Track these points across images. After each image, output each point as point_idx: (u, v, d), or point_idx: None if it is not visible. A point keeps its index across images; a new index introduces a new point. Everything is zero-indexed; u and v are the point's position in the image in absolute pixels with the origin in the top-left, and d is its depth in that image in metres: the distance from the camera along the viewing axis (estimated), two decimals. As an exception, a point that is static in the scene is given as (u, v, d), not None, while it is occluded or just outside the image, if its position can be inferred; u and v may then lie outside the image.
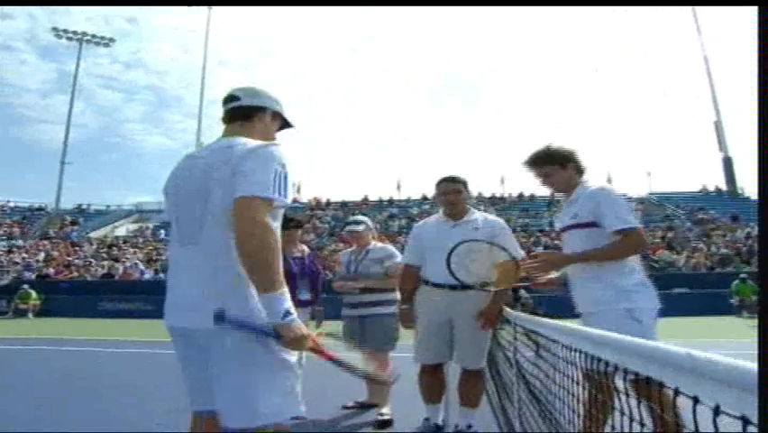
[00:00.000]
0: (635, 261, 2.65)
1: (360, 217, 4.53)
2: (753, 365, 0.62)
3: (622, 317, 2.45)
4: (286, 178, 1.74)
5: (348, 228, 4.40)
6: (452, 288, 3.19)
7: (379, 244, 4.32)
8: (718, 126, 33.63)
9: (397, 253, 4.16)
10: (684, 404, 0.79)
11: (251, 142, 1.82)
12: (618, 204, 2.61)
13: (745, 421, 0.64)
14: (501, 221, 3.54)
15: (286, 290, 1.65)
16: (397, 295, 3.89)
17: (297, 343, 1.66)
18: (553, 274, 2.97)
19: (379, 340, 3.93)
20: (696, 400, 0.76)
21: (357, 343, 3.89)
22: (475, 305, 3.25)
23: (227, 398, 1.70)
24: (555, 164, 2.80)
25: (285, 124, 2.18)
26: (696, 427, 0.77)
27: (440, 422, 3.42)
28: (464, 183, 3.47)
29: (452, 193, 3.41)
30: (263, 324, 1.67)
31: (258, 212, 1.64)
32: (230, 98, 2.04)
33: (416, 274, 3.46)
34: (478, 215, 3.48)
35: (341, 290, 4.12)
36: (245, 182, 1.68)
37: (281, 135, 2.17)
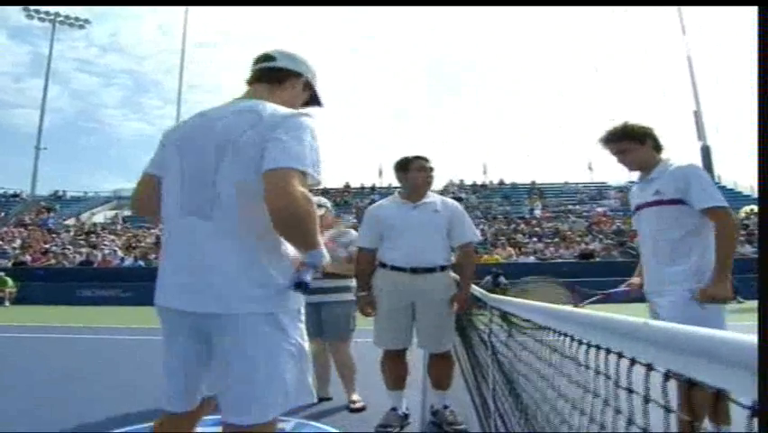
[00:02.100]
0: (712, 239, 2.53)
1: (320, 199, 4.26)
2: (698, 330, 0.64)
3: (683, 298, 2.45)
4: (318, 152, 1.61)
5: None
6: (414, 271, 3.20)
7: (343, 229, 4.23)
8: (698, 116, 34.10)
9: None
10: (639, 370, 0.82)
11: (281, 109, 1.65)
12: (708, 182, 2.53)
13: (691, 384, 0.66)
14: (458, 204, 3.50)
15: (321, 242, 1.61)
16: (355, 282, 3.80)
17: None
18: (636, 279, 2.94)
19: (337, 329, 3.86)
20: (650, 367, 0.79)
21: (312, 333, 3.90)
22: (437, 288, 3.23)
23: (257, 384, 1.54)
24: (634, 140, 2.71)
25: (311, 101, 2.02)
26: (646, 391, 0.80)
27: (405, 410, 3.38)
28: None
29: (428, 170, 3.39)
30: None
31: (294, 184, 1.48)
32: (265, 57, 1.88)
33: (371, 258, 3.39)
34: (436, 197, 3.44)
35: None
36: (279, 153, 1.52)
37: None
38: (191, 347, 1.64)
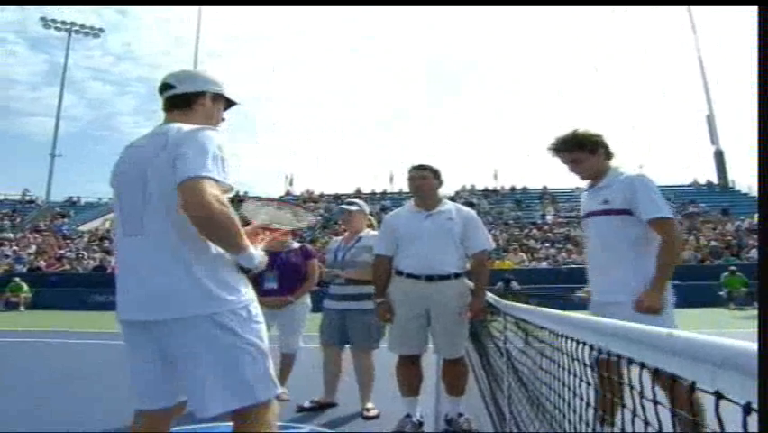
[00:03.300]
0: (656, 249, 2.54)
1: (356, 200, 4.29)
2: (725, 341, 0.64)
3: (631, 308, 2.42)
4: (224, 161, 1.72)
5: (340, 207, 4.23)
6: (429, 278, 3.22)
7: (373, 232, 4.06)
8: (711, 120, 33.78)
9: None
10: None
11: (185, 127, 1.78)
12: (656, 192, 2.54)
13: (719, 396, 0.66)
14: (472, 212, 3.51)
15: (249, 245, 1.77)
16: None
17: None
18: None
19: (362, 338, 3.83)
20: (674, 379, 0.78)
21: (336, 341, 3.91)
22: (452, 295, 3.24)
23: (216, 382, 1.68)
24: (585, 150, 2.69)
25: (230, 103, 2.11)
26: (672, 403, 0.79)
27: (420, 417, 3.37)
28: (434, 171, 3.43)
29: (418, 179, 3.39)
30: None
31: (204, 191, 1.61)
32: (164, 87, 1.96)
33: (388, 265, 3.40)
34: (450, 205, 3.45)
35: (328, 278, 3.96)
36: (185, 165, 1.65)
37: (229, 113, 2.13)
38: (148, 353, 1.78)
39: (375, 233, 4.02)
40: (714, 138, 33.41)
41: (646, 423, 0.91)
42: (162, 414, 1.83)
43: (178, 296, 1.67)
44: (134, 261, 1.76)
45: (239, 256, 1.76)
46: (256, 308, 1.83)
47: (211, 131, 1.78)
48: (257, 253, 1.80)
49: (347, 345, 3.97)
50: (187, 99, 1.94)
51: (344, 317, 3.86)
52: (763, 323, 0.67)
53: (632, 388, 0.98)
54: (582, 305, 2.91)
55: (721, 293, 14.70)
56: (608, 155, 2.73)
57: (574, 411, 1.50)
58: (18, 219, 30.99)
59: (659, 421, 0.85)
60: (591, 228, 2.73)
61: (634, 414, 0.98)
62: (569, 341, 1.39)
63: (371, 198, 32.21)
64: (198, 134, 1.74)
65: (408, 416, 3.31)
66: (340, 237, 4.26)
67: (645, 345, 0.86)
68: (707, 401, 0.67)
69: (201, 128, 1.78)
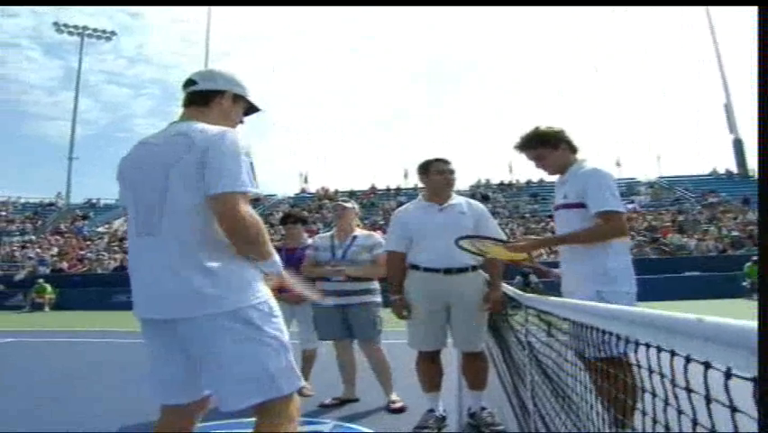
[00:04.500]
0: (623, 243, 2.64)
1: (349, 199, 4.48)
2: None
3: (591, 300, 2.40)
4: (252, 166, 1.77)
5: (337, 202, 4.33)
6: (447, 271, 3.21)
7: (365, 232, 4.18)
8: (729, 108, 33.21)
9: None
10: (696, 370, 0.81)
11: (209, 130, 1.78)
12: (605, 186, 2.57)
13: (756, 382, 0.65)
14: (482, 205, 3.51)
15: (274, 252, 1.84)
16: (377, 284, 3.94)
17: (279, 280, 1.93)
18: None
19: (365, 331, 3.89)
20: (707, 366, 0.77)
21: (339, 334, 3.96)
22: (471, 287, 3.25)
23: (241, 376, 1.69)
24: (547, 146, 2.78)
25: (253, 108, 2.12)
26: (707, 390, 0.79)
27: (443, 412, 3.37)
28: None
29: (449, 173, 3.40)
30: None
31: (241, 206, 1.68)
32: (188, 82, 1.99)
33: (401, 261, 3.39)
34: (461, 199, 3.45)
35: (330, 274, 3.90)
36: (220, 177, 1.68)
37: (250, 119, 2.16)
38: (169, 349, 1.80)
39: (367, 232, 4.19)
40: (732, 127, 32.86)
41: (680, 412, 0.91)
42: (186, 409, 1.86)
43: (199, 294, 1.68)
44: (151, 260, 1.76)
45: (264, 263, 1.82)
46: (275, 303, 1.85)
47: (234, 135, 1.78)
48: (278, 260, 1.86)
49: (353, 340, 4.03)
50: (206, 97, 1.96)
51: (345, 312, 3.90)
52: (764, 313, 0.67)
53: (663, 377, 0.98)
54: None
55: (744, 283, 14.47)
56: (573, 149, 2.80)
57: (602, 404, 1.50)
58: (39, 222, 31.53)
59: (693, 410, 0.84)
60: (557, 222, 2.86)
61: (666, 403, 0.98)
62: (594, 332, 1.38)
63: (386, 194, 32.22)
64: (226, 140, 1.74)
65: (431, 411, 3.32)
66: (328, 234, 4.23)
67: (674, 332, 0.86)
68: (744, 388, 0.67)
69: (226, 131, 1.78)
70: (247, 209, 1.69)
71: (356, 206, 4.31)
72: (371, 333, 3.90)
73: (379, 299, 3.98)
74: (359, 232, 4.11)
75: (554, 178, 2.94)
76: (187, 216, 1.73)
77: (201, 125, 1.80)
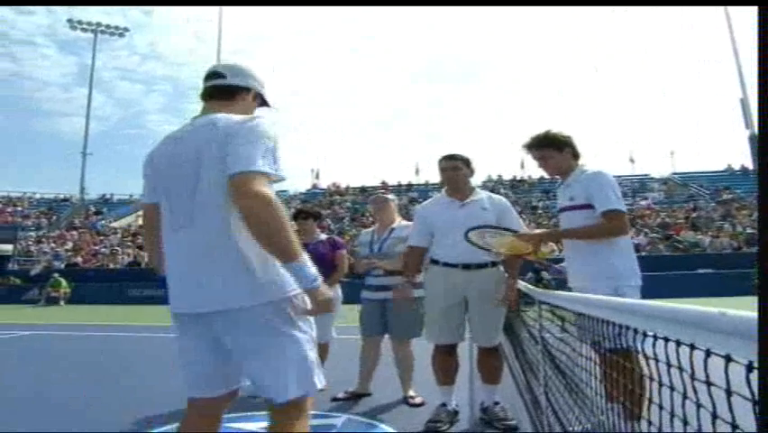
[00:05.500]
0: (628, 240, 2.82)
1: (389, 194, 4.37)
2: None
3: (609, 294, 2.46)
4: (275, 150, 1.71)
5: (377, 195, 4.25)
6: (466, 267, 3.23)
7: (404, 222, 4.10)
8: (745, 104, 32.76)
9: None
10: (717, 363, 0.81)
11: (234, 117, 1.77)
12: (608, 187, 2.75)
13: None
14: (505, 200, 3.50)
15: (306, 256, 1.67)
16: (422, 277, 3.76)
17: (325, 305, 1.69)
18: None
19: (404, 328, 3.83)
20: (728, 359, 0.77)
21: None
22: (489, 283, 3.26)
23: (280, 370, 1.69)
24: (552, 148, 2.93)
25: (262, 104, 2.11)
26: (728, 383, 0.79)
27: (455, 406, 3.39)
28: (465, 161, 3.43)
29: (450, 170, 3.40)
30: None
31: (256, 186, 1.59)
32: (214, 75, 1.96)
33: (420, 255, 3.45)
34: (483, 194, 3.45)
35: (364, 268, 3.96)
36: (238, 158, 1.63)
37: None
38: (203, 343, 1.79)
39: (407, 223, 4.04)
40: (748, 122, 32.41)
41: (698, 406, 0.91)
42: (215, 401, 1.86)
43: (236, 287, 1.67)
44: (186, 254, 1.75)
45: (289, 265, 1.64)
46: (306, 297, 1.81)
47: (261, 121, 1.76)
48: (313, 267, 1.69)
49: (386, 335, 4.00)
50: (232, 91, 1.95)
51: (384, 307, 3.89)
52: (763, 311, 0.67)
53: (682, 370, 0.98)
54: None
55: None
56: (575, 155, 2.96)
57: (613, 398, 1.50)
58: (54, 217, 31.89)
59: (713, 403, 0.84)
60: (563, 222, 2.97)
61: (684, 396, 0.97)
62: (613, 326, 1.38)
63: (398, 190, 32.21)
64: (249, 124, 1.72)
65: (444, 405, 3.33)
66: (370, 229, 4.25)
67: (696, 325, 0.86)
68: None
69: (251, 118, 1.78)
70: (263, 189, 1.60)
71: (395, 199, 4.26)
72: (405, 330, 3.83)
73: (422, 293, 3.63)
74: (398, 224, 4.08)
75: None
76: (220, 208, 1.70)
77: (226, 115, 1.79)
